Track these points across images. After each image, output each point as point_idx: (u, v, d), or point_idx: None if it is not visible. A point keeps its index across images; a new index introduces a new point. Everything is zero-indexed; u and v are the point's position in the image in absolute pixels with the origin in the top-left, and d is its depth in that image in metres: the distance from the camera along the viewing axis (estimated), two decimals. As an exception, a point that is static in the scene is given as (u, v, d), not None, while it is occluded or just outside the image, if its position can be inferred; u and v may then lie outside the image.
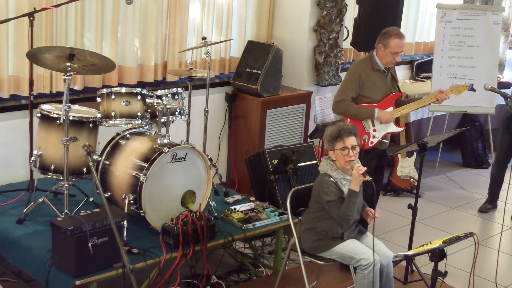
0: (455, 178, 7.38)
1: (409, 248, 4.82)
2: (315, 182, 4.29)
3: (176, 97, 4.78)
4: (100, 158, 4.52)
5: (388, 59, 4.98)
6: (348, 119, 5.05)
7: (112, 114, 4.54)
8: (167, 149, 4.34)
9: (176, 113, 4.78)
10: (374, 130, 5.03)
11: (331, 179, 4.16)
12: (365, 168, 4.03)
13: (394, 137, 5.83)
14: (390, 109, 5.06)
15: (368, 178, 4.01)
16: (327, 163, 4.22)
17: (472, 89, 5.15)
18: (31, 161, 4.49)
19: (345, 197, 4.11)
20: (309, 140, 6.23)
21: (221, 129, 6.21)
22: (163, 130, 4.54)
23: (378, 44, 4.98)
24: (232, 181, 6.21)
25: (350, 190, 4.07)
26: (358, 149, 4.18)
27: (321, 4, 6.32)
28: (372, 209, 4.24)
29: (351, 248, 4.15)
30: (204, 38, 5.29)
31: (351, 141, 4.14)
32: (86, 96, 5.20)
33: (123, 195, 4.37)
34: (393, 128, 5.09)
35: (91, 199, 4.61)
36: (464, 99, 6.75)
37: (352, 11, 6.75)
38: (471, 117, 7.68)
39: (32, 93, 4.66)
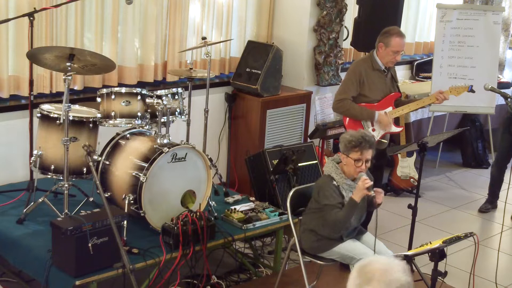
0: (455, 178, 7.38)
1: (409, 248, 4.82)
2: (317, 182, 4.28)
3: (176, 97, 4.78)
4: (100, 158, 4.52)
5: (388, 58, 4.98)
6: (348, 118, 5.05)
7: (112, 114, 4.54)
8: (167, 149, 4.34)
9: (176, 113, 4.78)
10: (373, 130, 5.03)
11: (334, 182, 4.13)
12: (371, 183, 3.99)
13: (394, 137, 5.83)
14: (389, 109, 5.06)
15: (372, 193, 3.98)
16: (332, 165, 4.18)
17: (471, 90, 5.14)
18: (31, 161, 4.49)
19: (344, 203, 4.10)
20: (309, 140, 6.22)
21: (221, 129, 6.20)
22: (163, 130, 4.54)
23: (379, 43, 4.99)
24: (232, 181, 6.21)
25: (351, 199, 4.03)
26: (370, 163, 4.15)
27: (321, 4, 6.32)
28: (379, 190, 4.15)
29: (351, 248, 4.15)
30: (204, 38, 5.29)
31: (368, 154, 4.08)
32: (86, 96, 5.20)
33: (123, 195, 4.37)
34: (392, 128, 5.09)
35: (91, 199, 4.61)
36: (464, 99, 6.74)
37: (352, 11, 6.75)
38: (471, 117, 7.68)
39: (32, 93, 4.65)
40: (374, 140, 4.17)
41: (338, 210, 4.06)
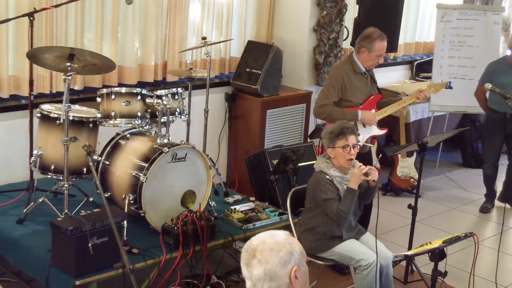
0: (455, 178, 7.38)
1: (409, 248, 4.82)
2: (310, 180, 4.28)
3: (176, 97, 4.78)
4: (100, 158, 4.52)
5: (372, 62, 4.94)
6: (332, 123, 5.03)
7: (112, 114, 4.54)
8: (167, 149, 4.34)
9: (176, 113, 4.78)
10: (358, 135, 4.98)
11: (327, 176, 4.15)
12: (367, 168, 4.02)
13: (394, 137, 5.82)
14: (372, 111, 5.03)
15: (371, 178, 4.00)
16: (322, 161, 4.21)
17: (449, 87, 5.17)
18: (31, 161, 4.49)
19: (341, 195, 4.11)
20: (309, 140, 6.23)
21: (221, 129, 6.20)
22: (163, 130, 4.54)
23: (361, 48, 4.92)
24: (232, 181, 6.21)
25: (348, 187, 4.06)
26: (357, 148, 4.19)
27: (321, 4, 6.32)
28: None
29: (350, 248, 4.15)
30: (204, 38, 5.29)
31: (353, 139, 4.15)
32: (86, 96, 5.21)
33: (123, 195, 4.37)
34: (376, 131, 5.05)
35: (91, 199, 4.61)
36: (464, 99, 6.77)
37: (352, 11, 6.75)
38: (471, 117, 7.67)
39: (32, 93, 4.65)
40: (354, 127, 4.27)
41: (338, 202, 4.08)
